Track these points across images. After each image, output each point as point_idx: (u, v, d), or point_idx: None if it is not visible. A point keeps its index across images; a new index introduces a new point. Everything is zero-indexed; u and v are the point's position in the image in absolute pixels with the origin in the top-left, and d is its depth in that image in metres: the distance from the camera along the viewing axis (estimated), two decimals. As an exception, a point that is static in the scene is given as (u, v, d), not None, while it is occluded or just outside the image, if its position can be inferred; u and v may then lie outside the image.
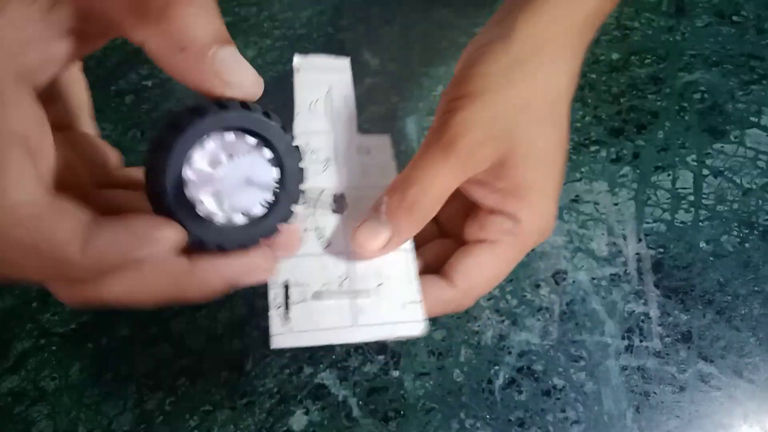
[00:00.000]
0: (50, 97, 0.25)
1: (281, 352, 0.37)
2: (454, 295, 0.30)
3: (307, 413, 0.35)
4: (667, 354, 0.37)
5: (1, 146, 0.19)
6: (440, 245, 0.33)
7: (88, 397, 0.35)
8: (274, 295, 0.27)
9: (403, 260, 0.30)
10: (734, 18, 0.53)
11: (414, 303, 0.29)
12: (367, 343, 0.37)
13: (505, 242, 0.30)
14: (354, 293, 0.28)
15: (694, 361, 0.37)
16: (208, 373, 0.36)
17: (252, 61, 0.50)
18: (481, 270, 0.30)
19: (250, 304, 0.38)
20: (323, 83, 0.34)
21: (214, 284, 0.23)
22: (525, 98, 0.29)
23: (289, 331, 0.26)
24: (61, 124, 0.26)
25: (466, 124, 0.29)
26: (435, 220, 0.32)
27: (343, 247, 0.29)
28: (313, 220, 0.30)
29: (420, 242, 0.31)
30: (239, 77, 0.21)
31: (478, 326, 0.38)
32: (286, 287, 0.28)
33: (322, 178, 0.31)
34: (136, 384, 0.36)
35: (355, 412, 0.35)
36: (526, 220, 0.30)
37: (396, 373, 0.36)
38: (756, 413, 0.35)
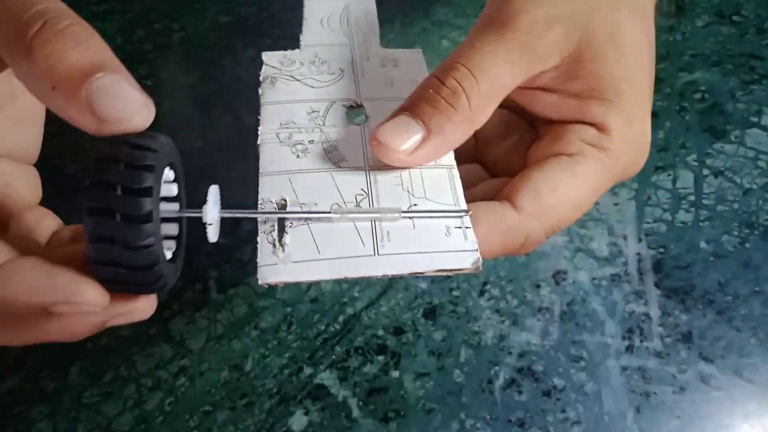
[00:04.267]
0: None
1: (281, 351, 0.37)
2: (519, 221, 0.23)
3: (307, 413, 0.35)
4: (668, 354, 0.37)
5: None
6: (493, 185, 0.26)
7: (87, 398, 0.35)
8: (265, 217, 0.21)
9: (445, 177, 0.23)
10: (734, 18, 0.53)
11: (461, 228, 0.22)
12: (367, 343, 0.37)
13: (590, 157, 0.23)
14: (377, 213, 0.22)
15: (695, 362, 0.37)
16: (208, 373, 0.36)
17: (252, 62, 0.50)
18: (555, 188, 0.23)
19: (250, 304, 0.38)
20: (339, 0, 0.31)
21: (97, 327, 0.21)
22: None
23: (283, 261, 0.20)
24: None
25: None
26: (482, 161, 0.26)
27: (363, 162, 0.24)
28: (321, 134, 0.25)
29: (464, 185, 0.24)
30: (118, 111, 0.18)
31: (478, 326, 0.38)
32: (282, 207, 0.22)
33: (333, 89, 0.26)
34: (136, 384, 0.35)
35: (355, 413, 0.35)
36: (616, 129, 0.23)
37: (396, 374, 0.36)
38: (757, 413, 0.35)
